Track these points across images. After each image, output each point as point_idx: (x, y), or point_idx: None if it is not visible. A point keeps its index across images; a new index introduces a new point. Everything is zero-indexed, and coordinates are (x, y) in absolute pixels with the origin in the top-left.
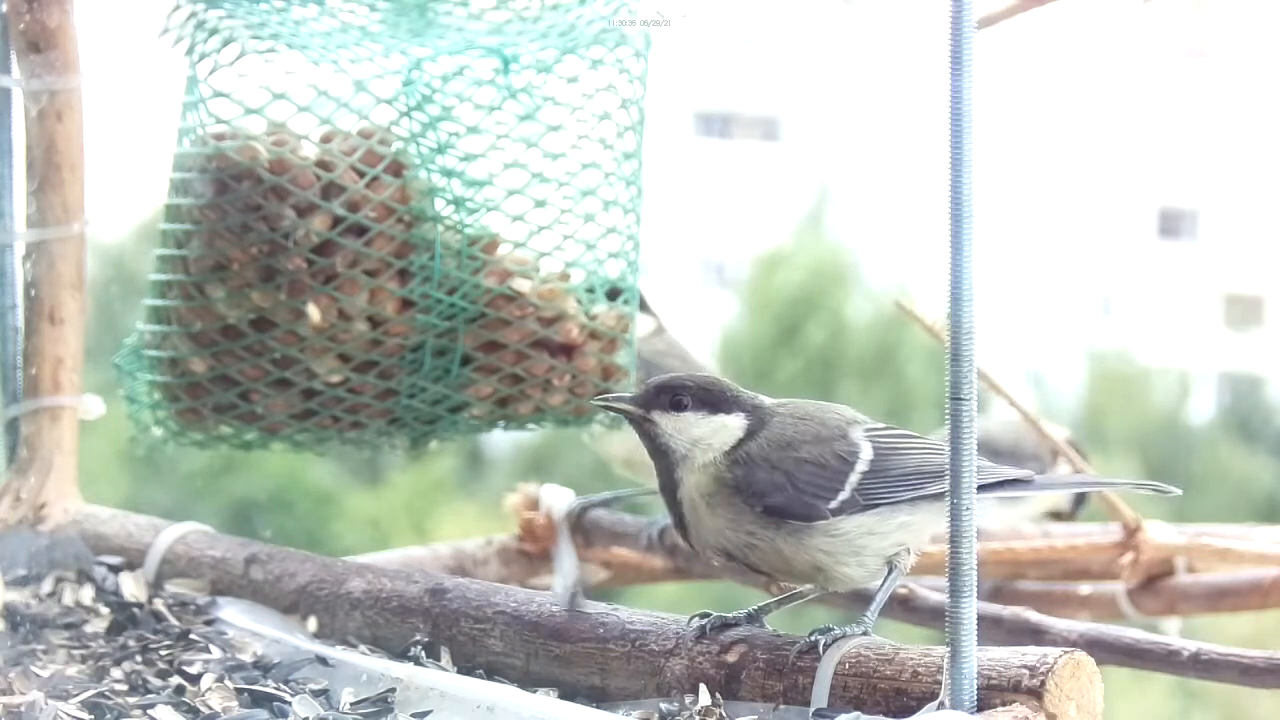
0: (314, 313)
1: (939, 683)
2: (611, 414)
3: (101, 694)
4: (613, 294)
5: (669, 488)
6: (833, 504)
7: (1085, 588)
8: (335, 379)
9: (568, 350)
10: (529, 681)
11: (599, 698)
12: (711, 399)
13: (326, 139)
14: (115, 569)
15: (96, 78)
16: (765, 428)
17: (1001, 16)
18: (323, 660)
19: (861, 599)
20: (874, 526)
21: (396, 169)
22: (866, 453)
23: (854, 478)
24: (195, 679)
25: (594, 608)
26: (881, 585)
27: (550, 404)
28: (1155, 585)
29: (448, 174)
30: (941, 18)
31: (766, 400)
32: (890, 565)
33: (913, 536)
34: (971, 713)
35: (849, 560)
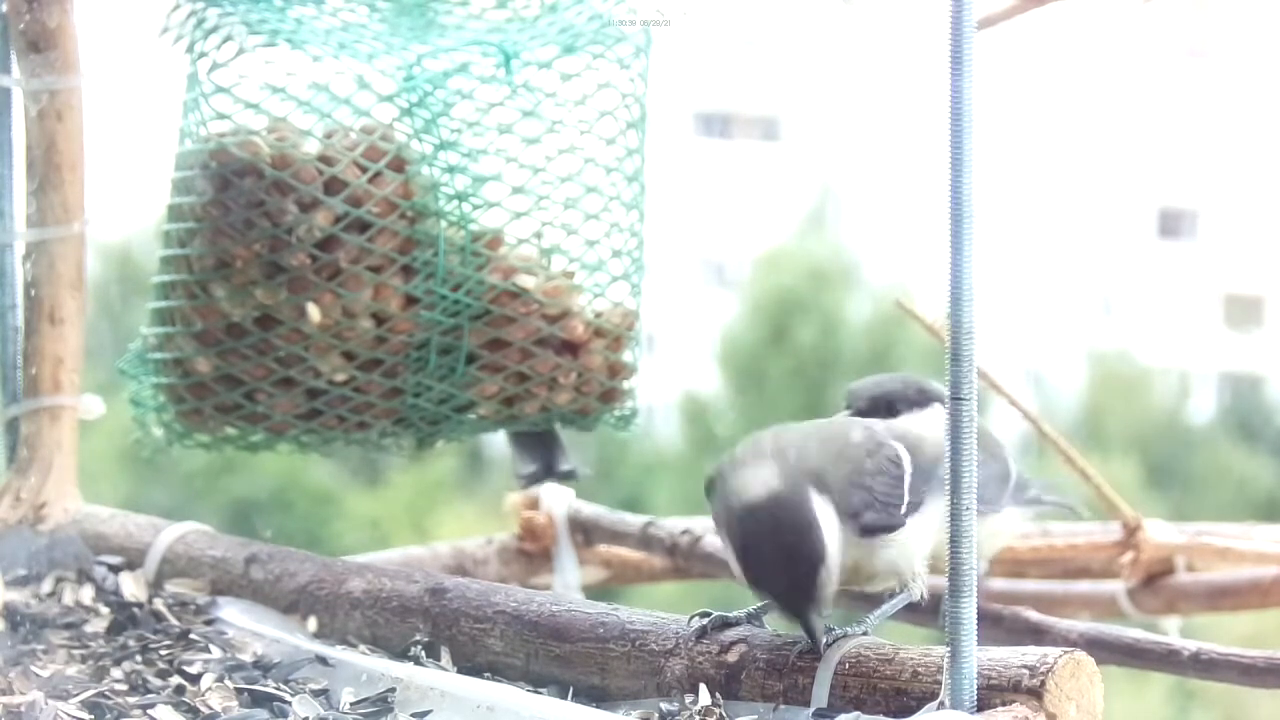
0: (314, 312)
1: (939, 683)
2: (619, 416)
3: (101, 694)
4: None
5: None
6: (903, 509)
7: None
8: (340, 378)
9: (573, 348)
10: (529, 681)
11: (599, 697)
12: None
13: (328, 135)
14: (115, 569)
15: (96, 78)
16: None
17: (1001, 17)
18: (323, 660)
19: (864, 600)
20: (923, 526)
21: (399, 164)
22: (904, 452)
23: (908, 479)
24: (195, 679)
25: (594, 607)
26: (893, 598)
27: (556, 402)
28: (1155, 584)
29: (450, 170)
30: (941, 18)
31: (789, 450)
32: (902, 584)
33: (939, 538)
34: (971, 713)
35: (903, 565)
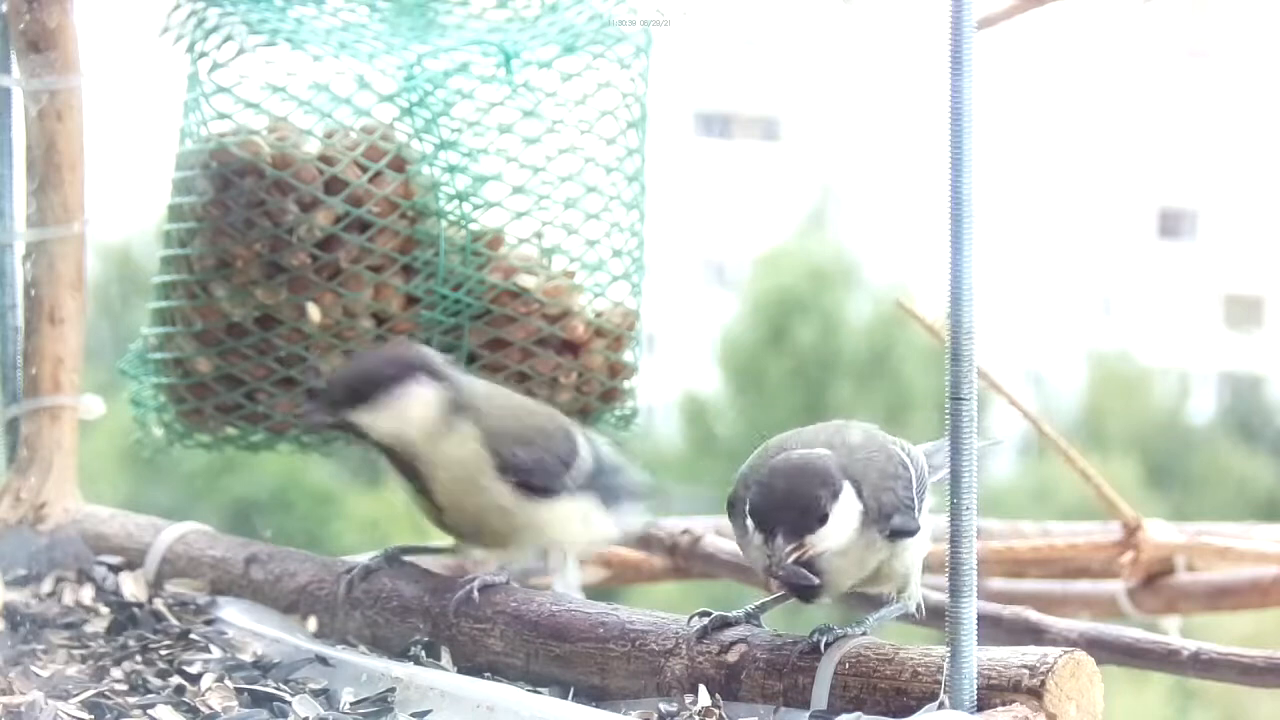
0: (314, 313)
1: (939, 683)
2: (619, 415)
3: (101, 694)
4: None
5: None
6: (918, 512)
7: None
8: None
9: (574, 348)
10: (529, 681)
11: (599, 698)
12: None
13: (328, 134)
14: (115, 569)
15: (96, 78)
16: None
17: (1001, 17)
18: (323, 660)
19: (865, 601)
20: (927, 529)
21: (399, 164)
22: (905, 455)
23: (915, 483)
24: (195, 679)
25: (594, 607)
26: (891, 604)
27: (557, 402)
28: (1155, 584)
29: (451, 169)
30: (941, 18)
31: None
32: (902, 588)
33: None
34: (971, 713)
35: (914, 567)
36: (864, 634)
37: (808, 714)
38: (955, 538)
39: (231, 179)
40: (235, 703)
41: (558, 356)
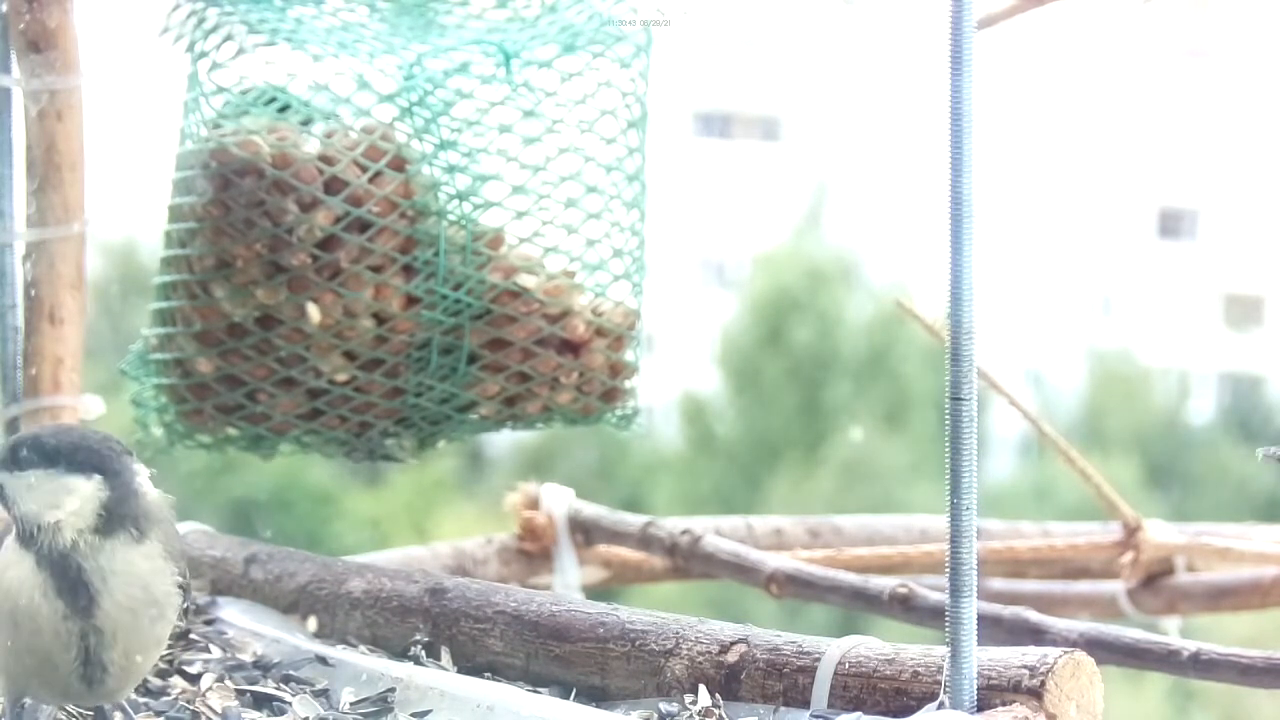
0: (314, 312)
1: (939, 683)
2: (620, 415)
3: None
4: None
5: None
6: None
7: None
8: (342, 377)
9: (575, 347)
10: (529, 681)
11: (599, 698)
12: None
13: (328, 134)
14: None
15: (96, 78)
16: None
17: (1001, 17)
18: (323, 660)
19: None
20: None
21: (399, 164)
22: None
23: None
24: (195, 679)
25: (594, 607)
26: None
27: (558, 402)
28: (1155, 584)
29: (451, 169)
30: (941, 18)
31: None
32: None
33: None
34: (971, 713)
35: None
36: None
37: (808, 714)
38: (955, 538)
39: (231, 179)
40: (235, 703)
41: (558, 356)
